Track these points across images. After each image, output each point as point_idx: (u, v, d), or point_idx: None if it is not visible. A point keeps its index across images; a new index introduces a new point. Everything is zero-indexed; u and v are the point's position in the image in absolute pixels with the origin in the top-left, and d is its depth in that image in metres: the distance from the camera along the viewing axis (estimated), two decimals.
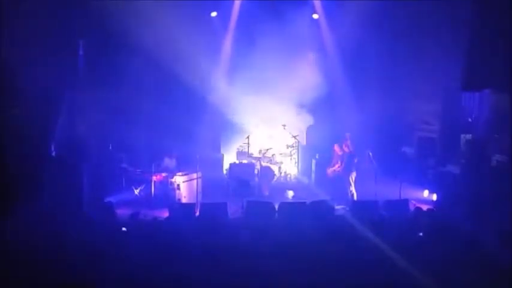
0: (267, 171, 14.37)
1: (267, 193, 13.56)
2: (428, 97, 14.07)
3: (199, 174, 12.88)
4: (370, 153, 13.23)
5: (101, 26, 12.14)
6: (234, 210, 11.60)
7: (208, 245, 8.97)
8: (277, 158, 15.26)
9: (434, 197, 12.65)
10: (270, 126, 15.73)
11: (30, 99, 10.11)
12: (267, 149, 15.20)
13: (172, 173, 12.81)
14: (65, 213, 9.88)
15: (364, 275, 8.04)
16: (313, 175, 14.84)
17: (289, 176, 15.40)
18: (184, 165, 13.25)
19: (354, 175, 12.68)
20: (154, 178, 12.76)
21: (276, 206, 11.34)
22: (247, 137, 14.81)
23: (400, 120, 14.78)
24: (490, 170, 11.61)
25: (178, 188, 12.44)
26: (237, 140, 15.54)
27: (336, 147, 14.20)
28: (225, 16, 15.43)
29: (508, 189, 10.16)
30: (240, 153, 15.30)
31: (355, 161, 12.71)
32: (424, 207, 11.40)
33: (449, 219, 10.13)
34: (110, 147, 13.45)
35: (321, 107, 15.51)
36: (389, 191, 12.47)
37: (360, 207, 11.34)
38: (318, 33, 15.42)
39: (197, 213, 11.17)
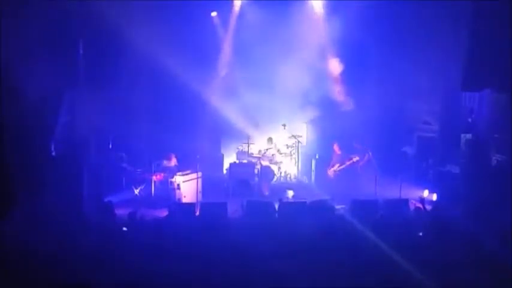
0: (267, 171, 14.36)
1: (267, 193, 13.56)
2: (428, 97, 14.08)
3: (199, 174, 12.89)
4: (370, 153, 13.26)
5: (100, 26, 12.13)
6: (234, 210, 11.60)
7: (208, 245, 8.98)
8: (277, 158, 15.25)
9: (435, 196, 12.66)
10: (270, 126, 15.71)
11: (30, 99, 10.11)
12: (267, 149, 15.19)
13: (172, 173, 12.82)
14: (65, 213, 9.89)
15: (364, 274, 8.05)
16: (313, 175, 14.85)
17: (289, 176, 15.40)
18: (185, 165, 13.26)
19: None
20: (154, 178, 12.78)
21: (276, 206, 11.35)
22: (248, 137, 14.82)
23: (400, 120, 14.78)
24: (490, 170, 11.61)
25: (179, 188, 12.46)
26: (237, 140, 15.54)
27: (336, 147, 14.24)
28: (225, 16, 15.42)
29: (508, 189, 10.17)
30: (240, 153, 15.30)
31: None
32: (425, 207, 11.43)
33: (449, 219, 10.14)
34: (110, 147, 13.46)
35: (321, 107, 15.49)
36: (389, 190, 12.49)
37: (360, 206, 11.34)
38: (317, 32, 15.41)
39: (197, 213, 11.18)
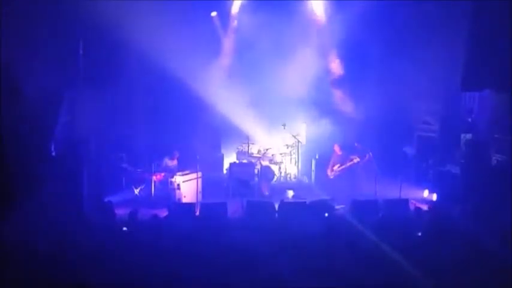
0: (267, 171, 14.37)
1: (267, 193, 13.56)
2: (428, 97, 14.06)
3: (199, 174, 12.89)
4: (370, 154, 13.25)
5: (100, 26, 12.13)
6: (234, 210, 11.60)
7: (208, 245, 8.97)
8: (277, 158, 15.25)
9: (435, 196, 12.67)
10: (270, 126, 15.71)
11: (30, 99, 10.11)
12: (267, 149, 15.19)
13: (172, 173, 12.82)
14: (65, 213, 9.88)
15: (364, 274, 8.04)
16: (313, 175, 14.84)
17: (289, 175, 15.39)
18: (185, 165, 13.26)
19: None
20: (154, 178, 12.78)
21: (276, 206, 11.35)
22: (248, 137, 14.82)
23: (400, 120, 14.77)
24: (490, 170, 11.61)
25: (179, 188, 12.46)
26: (237, 140, 15.53)
27: (336, 148, 14.23)
28: (225, 16, 15.43)
29: (508, 189, 10.17)
30: (240, 153, 15.30)
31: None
32: (424, 207, 11.44)
33: (449, 219, 10.14)
34: (110, 147, 13.45)
35: (321, 108, 15.49)
36: (389, 190, 12.48)
37: (359, 207, 11.35)
38: (318, 33, 15.40)
39: (197, 213, 11.18)
